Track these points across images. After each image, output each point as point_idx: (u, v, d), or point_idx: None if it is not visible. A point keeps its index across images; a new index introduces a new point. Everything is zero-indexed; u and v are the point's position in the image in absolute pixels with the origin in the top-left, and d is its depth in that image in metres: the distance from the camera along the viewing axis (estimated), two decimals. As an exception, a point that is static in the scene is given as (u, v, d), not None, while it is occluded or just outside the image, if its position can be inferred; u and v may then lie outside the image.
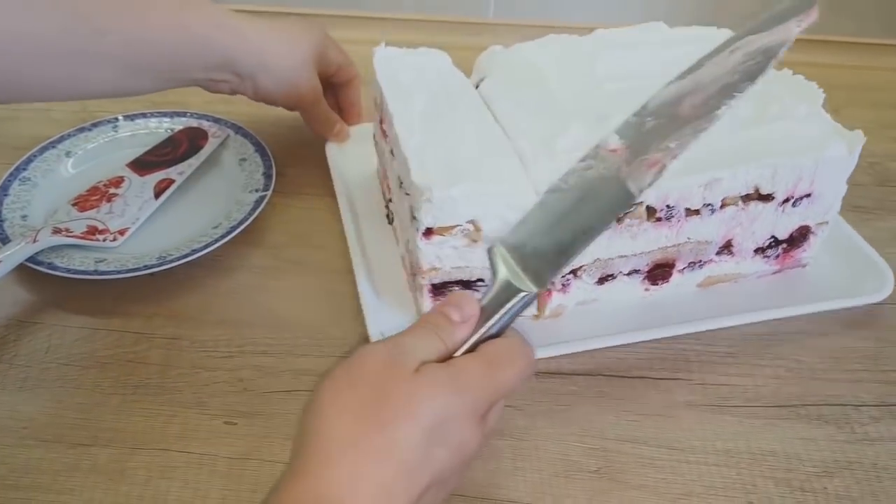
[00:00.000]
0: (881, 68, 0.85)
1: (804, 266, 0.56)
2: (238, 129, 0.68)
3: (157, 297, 0.55)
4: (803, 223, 0.53)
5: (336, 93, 0.68)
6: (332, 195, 0.61)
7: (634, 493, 0.44)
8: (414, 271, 0.49)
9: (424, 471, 0.32)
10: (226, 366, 0.51)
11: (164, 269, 0.55)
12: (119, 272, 0.54)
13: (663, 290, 0.53)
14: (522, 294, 0.36)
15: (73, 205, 0.60)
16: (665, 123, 0.39)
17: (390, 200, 0.57)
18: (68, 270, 0.54)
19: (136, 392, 0.49)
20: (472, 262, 0.48)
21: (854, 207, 0.63)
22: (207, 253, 0.56)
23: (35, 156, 0.65)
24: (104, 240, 0.57)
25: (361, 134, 0.66)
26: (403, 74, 0.54)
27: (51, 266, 0.54)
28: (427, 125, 0.49)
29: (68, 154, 0.66)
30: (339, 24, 0.88)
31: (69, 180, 0.64)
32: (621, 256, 0.50)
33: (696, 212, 0.50)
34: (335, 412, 0.32)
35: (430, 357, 0.34)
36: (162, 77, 0.57)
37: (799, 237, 0.54)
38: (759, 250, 0.54)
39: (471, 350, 0.36)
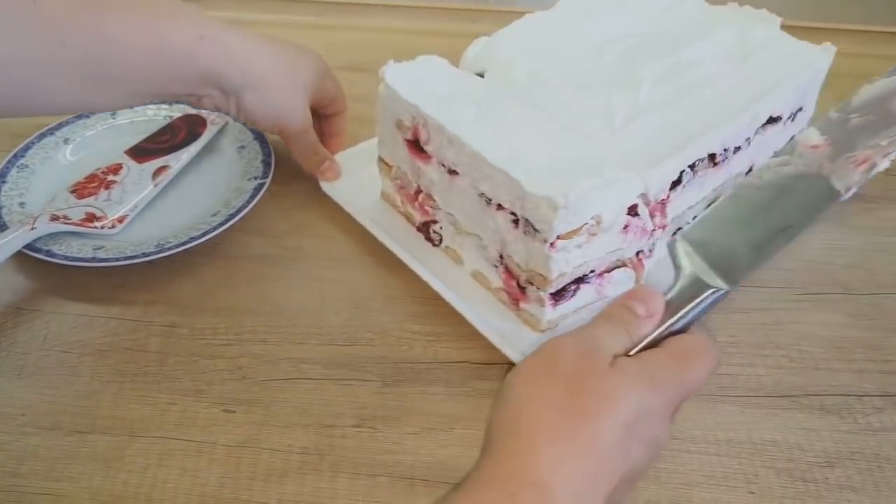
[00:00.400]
0: (888, 56, 0.84)
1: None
2: (237, 117, 0.68)
3: (155, 284, 0.55)
4: (792, 134, 0.59)
5: (321, 120, 0.63)
6: (332, 183, 0.61)
7: (635, 482, 0.44)
8: (536, 284, 0.47)
9: (622, 464, 0.32)
10: (224, 353, 0.50)
11: (163, 257, 0.54)
12: (117, 259, 0.54)
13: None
14: (712, 290, 0.36)
15: (72, 192, 0.60)
16: (874, 121, 0.39)
17: (433, 222, 0.55)
18: (66, 258, 0.54)
19: (134, 380, 0.49)
20: (590, 257, 0.47)
21: (859, 197, 0.63)
22: (206, 240, 0.56)
23: (33, 143, 0.64)
24: (102, 227, 0.57)
25: (354, 159, 0.62)
26: (425, 88, 0.51)
27: (49, 253, 0.54)
28: (489, 132, 0.47)
29: (66, 141, 0.66)
30: (329, 10, 0.88)
31: (67, 167, 0.64)
32: (689, 207, 0.53)
33: (739, 147, 0.53)
34: (537, 403, 0.33)
35: (619, 351, 0.35)
36: (133, 91, 0.50)
37: None
38: None
39: (653, 345, 0.36)
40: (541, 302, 0.48)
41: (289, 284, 0.55)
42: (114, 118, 0.68)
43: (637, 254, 0.50)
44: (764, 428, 0.47)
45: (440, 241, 0.55)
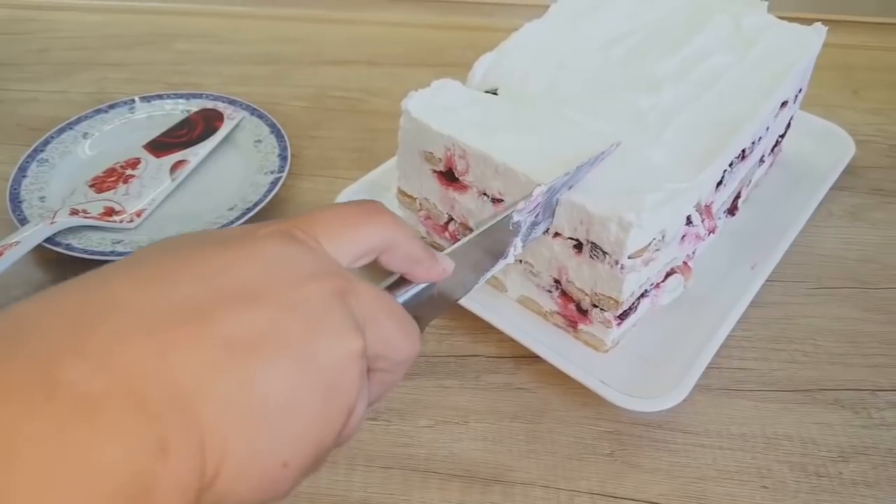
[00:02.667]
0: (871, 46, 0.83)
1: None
2: (253, 111, 0.68)
3: (173, 278, 0.55)
4: (791, 115, 0.60)
5: None
6: (348, 178, 0.61)
7: (648, 476, 0.44)
8: (603, 307, 0.47)
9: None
10: (241, 347, 0.51)
11: (181, 251, 0.55)
12: (136, 253, 0.54)
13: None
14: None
15: (91, 186, 0.60)
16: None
17: None
18: (86, 251, 0.54)
19: (153, 372, 0.49)
20: (654, 271, 0.47)
21: (873, 190, 0.63)
22: (223, 234, 0.56)
23: (52, 137, 0.65)
24: (121, 221, 0.58)
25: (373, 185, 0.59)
26: (453, 116, 0.49)
27: (68, 247, 0.55)
28: (536, 156, 0.46)
29: (85, 135, 0.66)
30: (346, 5, 0.88)
31: (86, 161, 0.64)
32: (722, 204, 0.54)
33: (761, 138, 0.53)
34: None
35: None
36: None
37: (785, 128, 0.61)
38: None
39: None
40: (606, 323, 0.47)
41: (304, 278, 0.56)
42: (132, 112, 0.69)
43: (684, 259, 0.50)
44: (778, 422, 0.47)
45: None
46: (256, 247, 0.26)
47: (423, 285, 0.33)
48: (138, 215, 0.58)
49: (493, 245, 0.40)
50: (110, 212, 0.58)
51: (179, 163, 0.63)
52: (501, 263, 0.41)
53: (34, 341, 0.21)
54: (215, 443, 0.22)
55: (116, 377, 0.21)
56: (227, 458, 0.22)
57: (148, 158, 0.63)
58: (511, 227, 0.41)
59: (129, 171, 0.62)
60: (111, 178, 0.61)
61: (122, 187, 0.60)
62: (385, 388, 0.30)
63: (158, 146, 0.64)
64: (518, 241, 0.42)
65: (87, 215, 0.57)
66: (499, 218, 0.40)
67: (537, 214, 0.44)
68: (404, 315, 0.29)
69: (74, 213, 0.56)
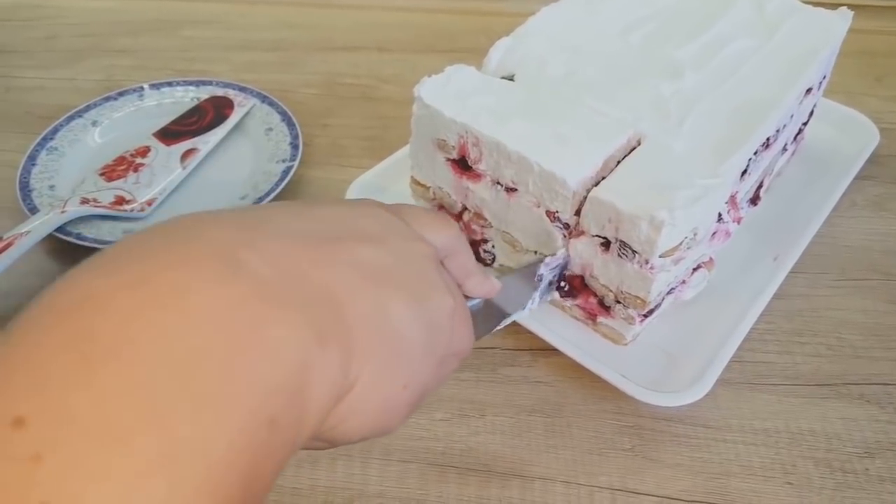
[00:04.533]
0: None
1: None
2: (264, 99, 0.67)
3: (184, 268, 0.55)
4: (816, 102, 0.59)
5: None
6: (360, 166, 0.60)
7: (669, 471, 0.43)
8: (629, 305, 0.45)
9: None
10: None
11: (192, 241, 0.54)
12: (147, 243, 0.54)
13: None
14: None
15: (101, 175, 0.59)
16: None
17: (483, 241, 0.52)
18: (96, 241, 0.54)
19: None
20: (682, 269, 0.46)
21: (894, 181, 0.62)
22: (235, 224, 0.55)
23: (62, 125, 0.64)
24: (132, 210, 0.57)
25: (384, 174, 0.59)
26: (468, 103, 0.48)
27: (79, 236, 0.54)
28: (553, 146, 0.45)
29: (95, 123, 0.66)
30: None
31: (96, 150, 0.64)
32: (745, 193, 0.53)
33: (785, 126, 0.52)
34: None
35: None
36: None
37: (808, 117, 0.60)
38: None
39: None
40: (630, 320, 0.46)
41: (318, 268, 0.55)
42: (141, 100, 0.68)
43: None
44: (802, 417, 0.46)
45: (493, 260, 0.53)
46: (371, 209, 0.29)
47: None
48: (149, 204, 0.58)
49: (515, 295, 0.43)
50: (121, 201, 0.57)
51: (190, 151, 0.62)
52: (518, 315, 0.44)
53: (211, 233, 0.23)
54: (358, 349, 0.24)
55: (282, 270, 0.23)
56: (363, 370, 0.24)
57: (158, 147, 0.62)
58: (536, 279, 0.44)
59: (139, 160, 0.61)
60: (121, 166, 0.60)
61: (132, 176, 0.60)
62: (442, 377, 0.32)
63: (168, 134, 0.64)
64: (536, 296, 0.45)
65: (98, 204, 0.56)
66: (526, 265, 0.44)
67: (555, 275, 0.46)
68: (468, 309, 0.33)
69: (85, 202, 0.55)
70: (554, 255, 0.46)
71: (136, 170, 0.60)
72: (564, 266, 0.47)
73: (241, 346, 0.20)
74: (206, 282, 0.21)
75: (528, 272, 0.44)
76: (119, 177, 0.59)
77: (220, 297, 0.21)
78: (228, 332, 0.20)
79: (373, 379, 0.25)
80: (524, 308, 0.45)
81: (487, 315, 0.39)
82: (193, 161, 0.61)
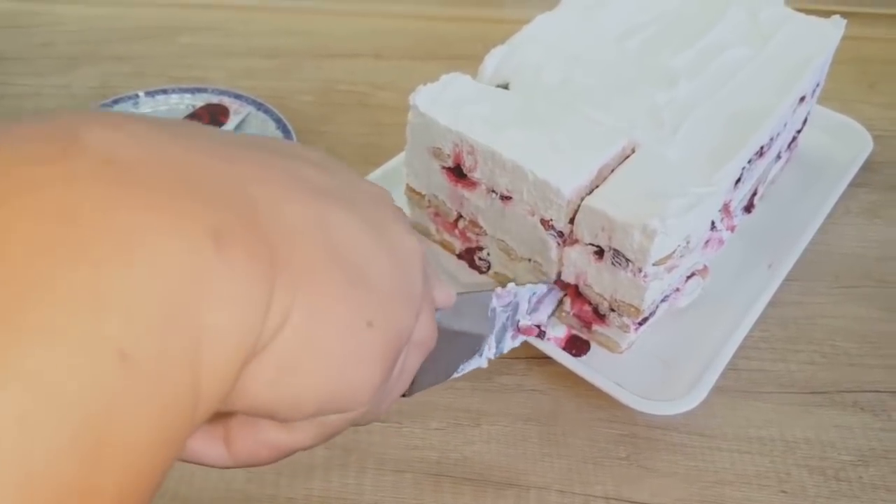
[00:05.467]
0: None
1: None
2: (259, 106, 0.67)
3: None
4: (809, 110, 0.59)
5: None
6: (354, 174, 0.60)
7: (665, 480, 0.43)
8: (623, 313, 0.45)
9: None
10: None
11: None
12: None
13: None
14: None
15: None
16: None
17: (478, 249, 0.52)
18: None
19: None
20: (676, 277, 0.46)
21: (892, 187, 0.62)
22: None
23: (56, 133, 0.64)
24: None
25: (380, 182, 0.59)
26: (463, 111, 0.48)
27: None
28: (548, 154, 0.45)
29: (90, 131, 0.65)
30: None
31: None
32: (739, 202, 0.53)
33: (779, 134, 0.52)
34: None
35: None
36: None
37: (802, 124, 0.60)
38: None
39: None
40: (624, 328, 0.46)
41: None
42: (136, 107, 0.68)
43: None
44: (796, 425, 0.46)
45: (488, 267, 0.53)
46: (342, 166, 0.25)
47: None
48: None
49: (468, 340, 0.40)
50: None
51: None
52: (475, 362, 0.41)
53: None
54: (283, 263, 0.18)
55: (155, 156, 0.17)
56: (297, 295, 0.18)
57: None
58: (488, 315, 0.41)
59: None
60: None
61: None
62: (407, 375, 0.27)
63: None
64: (493, 340, 0.42)
65: None
66: (474, 291, 0.41)
67: (508, 317, 0.44)
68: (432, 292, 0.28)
69: None
70: (503, 286, 0.43)
71: None
72: (531, 307, 0.45)
73: (62, 239, 0.14)
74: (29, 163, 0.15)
75: (479, 302, 0.41)
76: None
77: (43, 176, 0.15)
78: (45, 221, 0.14)
79: (316, 308, 0.19)
80: (481, 354, 0.41)
81: (428, 367, 0.30)
82: None
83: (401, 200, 0.55)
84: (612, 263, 0.43)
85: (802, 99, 0.55)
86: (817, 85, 0.58)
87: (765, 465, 0.44)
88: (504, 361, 0.49)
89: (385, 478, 0.43)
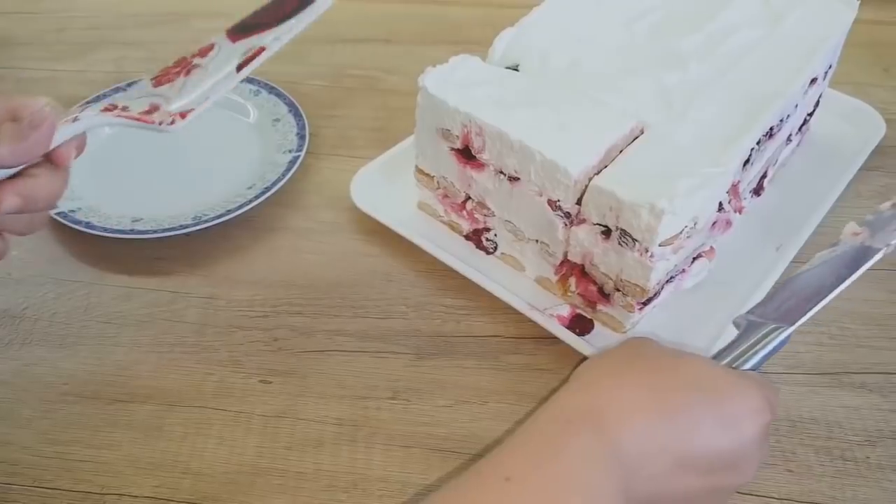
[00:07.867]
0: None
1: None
2: (271, 89, 0.68)
3: (192, 257, 0.56)
4: (821, 91, 0.59)
5: None
6: (366, 157, 0.60)
7: (670, 458, 0.43)
8: (628, 293, 0.46)
9: (695, 441, 0.36)
10: (261, 325, 0.51)
11: (200, 230, 0.55)
12: (155, 231, 0.54)
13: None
14: (775, 327, 0.41)
15: (152, 79, 0.44)
16: None
17: (485, 230, 0.53)
18: (105, 230, 0.54)
19: (172, 350, 0.50)
20: (681, 258, 0.46)
21: (903, 171, 0.62)
22: (242, 213, 0.56)
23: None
24: (160, 123, 0.42)
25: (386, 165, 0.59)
26: (471, 93, 0.48)
27: (88, 225, 0.55)
28: (555, 135, 0.45)
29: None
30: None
31: (106, 141, 0.64)
32: (748, 183, 0.53)
33: (789, 115, 0.52)
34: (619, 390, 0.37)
35: None
36: None
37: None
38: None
39: None
40: (629, 308, 0.46)
41: (323, 257, 0.56)
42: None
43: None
44: (803, 406, 0.46)
45: (495, 248, 0.53)
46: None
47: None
48: (182, 116, 0.42)
49: None
50: (154, 109, 0.43)
51: (251, 58, 0.44)
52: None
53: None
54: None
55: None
56: None
57: (223, 44, 0.45)
58: None
59: (196, 61, 0.45)
60: (176, 68, 0.45)
61: (179, 80, 0.44)
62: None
63: (241, 29, 0.46)
64: None
65: (125, 114, 0.42)
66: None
67: None
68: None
69: (108, 110, 0.42)
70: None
71: (188, 72, 0.44)
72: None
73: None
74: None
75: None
76: (168, 81, 0.44)
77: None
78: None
79: None
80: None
81: None
82: (251, 65, 0.44)
83: (411, 182, 0.56)
84: (620, 243, 0.44)
85: (814, 81, 0.55)
86: (830, 66, 0.58)
87: (771, 445, 0.44)
88: (512, 341, 0.50)
89: (393, 453, 0.44)
